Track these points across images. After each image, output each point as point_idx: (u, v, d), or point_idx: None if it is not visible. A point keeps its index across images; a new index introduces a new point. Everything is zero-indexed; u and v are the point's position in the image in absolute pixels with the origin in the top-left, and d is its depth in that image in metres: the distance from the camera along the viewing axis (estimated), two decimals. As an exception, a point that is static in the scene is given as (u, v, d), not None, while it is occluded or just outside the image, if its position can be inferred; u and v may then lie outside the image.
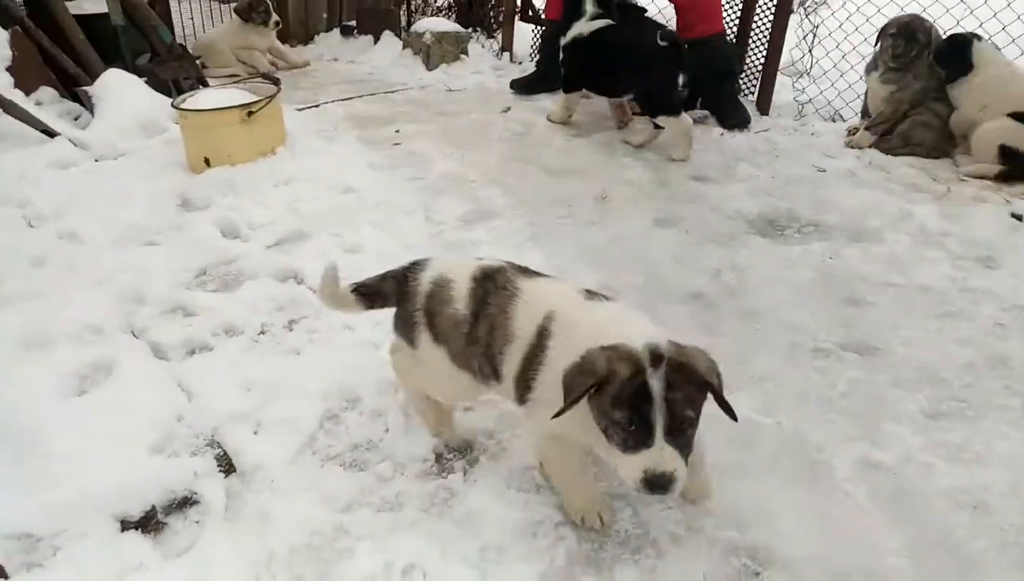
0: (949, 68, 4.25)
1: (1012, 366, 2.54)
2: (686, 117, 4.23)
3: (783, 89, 5.14)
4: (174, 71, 4.70)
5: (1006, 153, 3.97)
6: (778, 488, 2.02)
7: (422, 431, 2.20)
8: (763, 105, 4.99)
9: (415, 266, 2.11)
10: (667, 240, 3.35)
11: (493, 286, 1.89)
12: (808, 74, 5.03)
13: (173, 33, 5.23)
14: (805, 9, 4.79)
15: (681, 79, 4.13)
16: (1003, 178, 3.99)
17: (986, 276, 3.09)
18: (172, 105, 3.67)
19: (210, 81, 5.17)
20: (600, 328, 1.67)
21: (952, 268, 3.15)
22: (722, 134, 4.62)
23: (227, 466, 2.00)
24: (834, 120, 5.00)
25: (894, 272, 3.11)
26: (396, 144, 4.28)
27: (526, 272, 1.96)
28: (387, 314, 2.68)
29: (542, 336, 1.76)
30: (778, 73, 4.94)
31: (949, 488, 2.02)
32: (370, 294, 2.15)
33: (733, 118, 4.76)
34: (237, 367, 2.44)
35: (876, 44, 4.46)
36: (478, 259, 2.02)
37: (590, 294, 1.85)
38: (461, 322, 1.91)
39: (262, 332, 2.66)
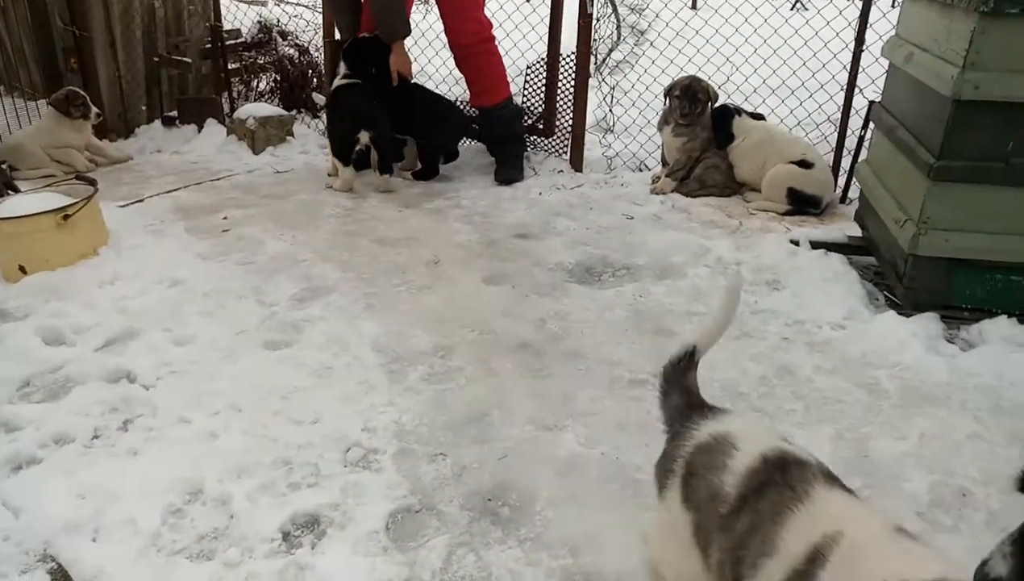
0: (720, 136, 4.88)
1: (796, 374, 2.92)
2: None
3: (593, 146, 5.59)
4: (-23, 179, 4.50)
5: (793, 194, 4.55)
6: (605, 511, 2.23)
7: (268, 512, 2.25)
8: (576, 162, 5.41)
9: (707, 409, 1.76)
10: (496, 296, 3.57)
11: (780, 478, 1.46)
12: (612, 131, 5.52)
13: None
14: (601, 73, 5.26)
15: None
16: (790, 214, 4.56)
17: (772, 297, 3.53)
18: (-23, 215, 3.54)
19: (23, 186, 4.98)
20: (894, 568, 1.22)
21: (745, 293, 3.55)
22: (540, 193, 4.96)
23: (63, 579, 1.96)
24: (641, 169, 5.49)
25: (696, 302, 3.48)
26: (225, 230, 4.29)
27: (831, 479, 1.48)
28: (226, 404, 2.74)
29: (813, 561, 1.31)
30: (586, 132, 5.37)
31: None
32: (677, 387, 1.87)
33: (501, 174, 5.25)
34: (70, 476, 2.38)
35: (665, 103, 5.00)
36: (784, 440, 1.59)
37: (901, 531, 1.35)
38: (721, 500, 1.51)
39: (95, 436, 2.61)
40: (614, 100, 5.47)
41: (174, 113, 6.69)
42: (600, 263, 3.95)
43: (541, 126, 5.59)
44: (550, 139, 5.60)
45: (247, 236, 4.19)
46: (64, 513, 2.20)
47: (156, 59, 6.66)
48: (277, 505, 2.28)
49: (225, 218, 4.46)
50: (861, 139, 4.65)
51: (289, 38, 7.05)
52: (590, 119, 5.44)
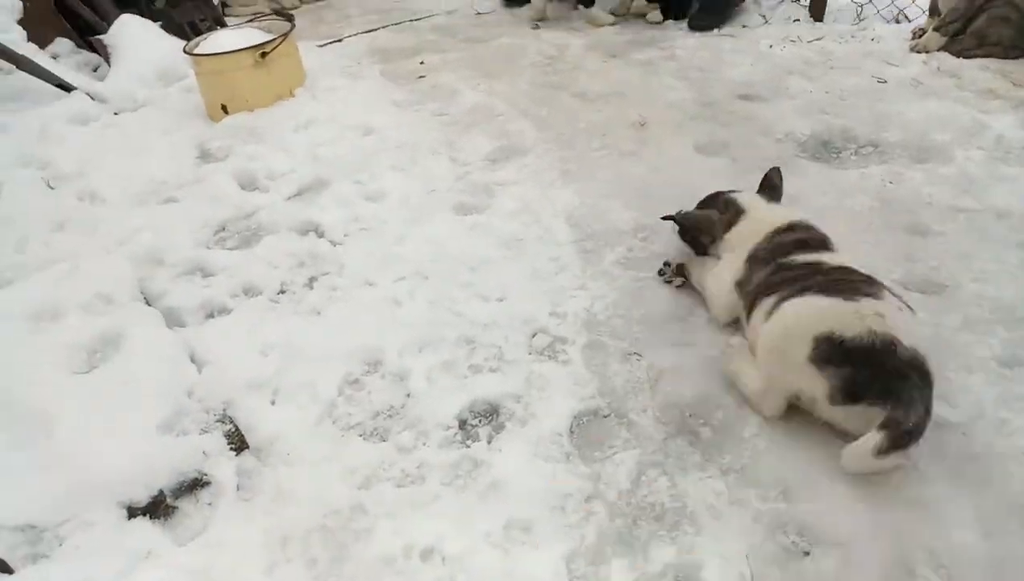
0: None
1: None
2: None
3: (839, -7, 4.69)
4: (190, 12, 4.52)
5: None
6: (829, 449, 1.84)
7: (445, 395, 2.08)
8: (817, 9, 4.57)
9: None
10: (711, 169, 3.09)
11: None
12: (869, -29, 4.57)
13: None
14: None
15: None
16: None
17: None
18: (184, 51, 3.51)
19: (231, 20, 4.99)
20: None
21: (1036, 194, 2.83)
22: (771, 46, 4.24)
23: (238, 442, 1.92)
24: (898, 21, 4.55)
25: (965, 195, 2.81)
26: (421, 77, 4.05)
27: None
28: (413, 270, 2.57)
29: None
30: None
31: (1027, 447, 1.81)
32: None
33: (697, 20, 4.65)
34: (255, 330, 2.35)
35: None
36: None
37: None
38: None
39: (282, 291, 2.55)
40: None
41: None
42: (841, 136, 3.31)
43: (778, -36, 4.74)
44: (788, -20, 4.76)
45: (443, 84, 3.92)
46: (246, 370, 2.16)
47: None
48: (457, 388, 2.11)
49: (422, 63, 4.21)
50: None
51: None
52: None
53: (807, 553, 1.62)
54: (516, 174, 3.10)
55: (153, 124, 3.63)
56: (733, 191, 2.48)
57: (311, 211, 2.91)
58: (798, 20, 4.56)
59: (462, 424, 2.02)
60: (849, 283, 1.90)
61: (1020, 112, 3.39)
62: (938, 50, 4.06)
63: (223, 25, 4.60)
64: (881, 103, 3.55)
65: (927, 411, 1.69)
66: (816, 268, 2.01)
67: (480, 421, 2.03)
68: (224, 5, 5.47)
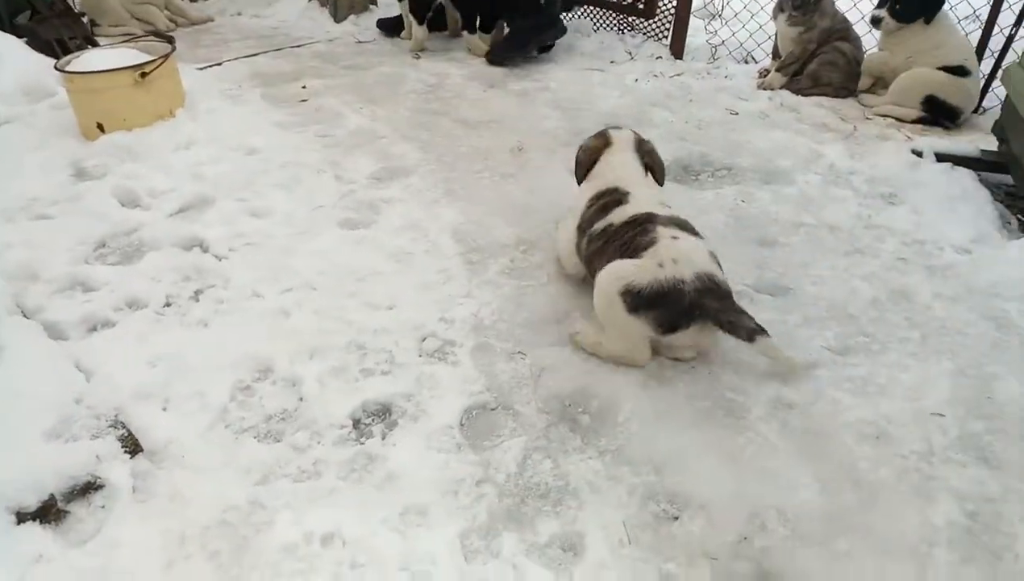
0: (912, 10, 4.12)
1: (913, 299, 2.64)
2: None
3: (697, 32, 5.15)
4: (57, 30, 4.39)
5: (932, 102, 4.07)
6: (693, 430, 2.06)
7: (338, 398, 2.16)
8: (677, 49, 4.99)
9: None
10: (584, 190, 3.33)
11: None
12: (720, 16, 5.04)
13: (56, -12, 4.88)
14: (713, -48, 4.75)
15: None
16: (919, 122, 4.10)
17: (889, 212, 3.19)
18: (56, 68, 3.43)
19: (102, 41, 4.87)
20: None
21: (859, 206, 3.23)
22: (636, 80, 4.60)
23: (132, 446, 1.92)
24: (747, 62, 5.05)
25: (805, 212, 3.18)
26: (303, 100, 4.12)
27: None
28: (301, 282, 2.62)
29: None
30: (691, 16, 4.92)
31: (855, 421, 2.09)
32: None
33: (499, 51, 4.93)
34: (142, 342, 2.34)
35: (782, -14, 4.50)
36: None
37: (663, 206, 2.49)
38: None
39: (167, 304, 2.54)
40: (725, -18, 4.97)
41: (256, -26, 6.42)
42: (699, 161, 3.65)
43: (641, 6, 5.14)
44: (650, 21, 5.16)
45: (326, 107, 4.00)
46: (135, 380, 2.15)
47: None
48: (349, 391, 2.19)
49: (304, 87, 4.27)
50: (1011, 39, 4.11)
51: None
52: (696, 1, 4.98)
53: (676, 517, 1.81)
54: (401, 193, 3.22)
55: (19, 141, 3.50)
56: (615, 128, 2.82)
57: (195, 227, 2.91)
58: (660, 57, 4.96)
59: (356, 423, 2.10)
60: (632, 240, 2.30)
61: (848, 143, 3.85)
62: (780, 88, 4.54)
63: (94, 44, 4.49)
64: (734, 133, 3.93)
65: (736, 311, 2.19)
66: (609, 234, 2.40)
67: (373, 420, 2.11)
68: (93, 24, 5.32)
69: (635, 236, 2.31)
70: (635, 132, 2.76)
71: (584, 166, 2.71)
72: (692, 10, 4.95)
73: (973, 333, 2.49)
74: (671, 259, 2.19)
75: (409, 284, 2.64)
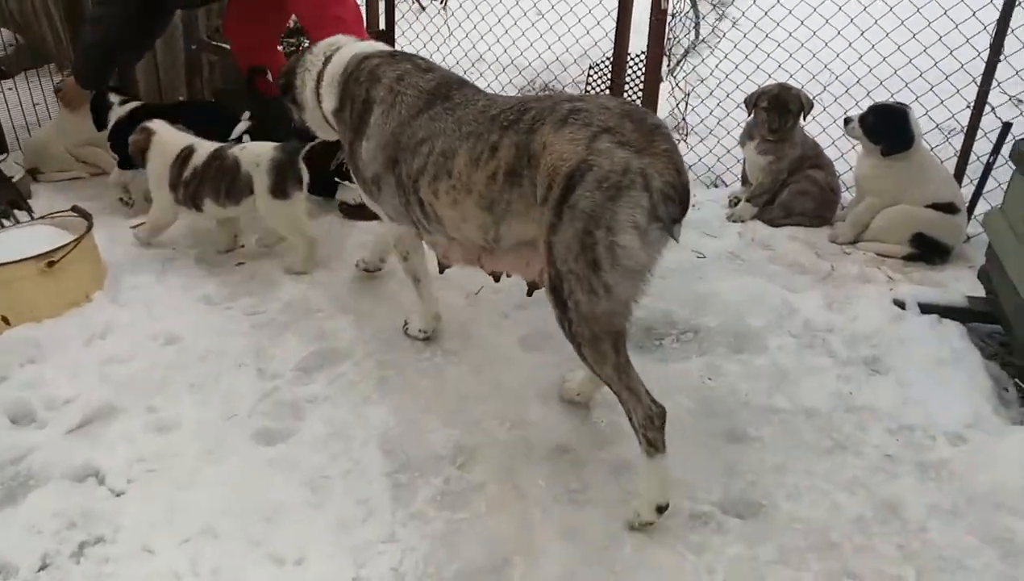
0: (890, 140, 3.82)
1: (904, 516, 2.30)
2: None
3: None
4: (-18, 196, 4.15)
5: (921, 240, 3.80)
6: None
7: None
8: (642, 176, 4.75)
9: None
10: (534, 368, 3.02)
11: None
12: (685, 141, 4.83)
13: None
14: (674, 77, 4.57)
15: None
16: (908, 259, 3.83)
17: (872, 386, 2.88)
18: (-46, 257, 3.15)
19: (44, 188, 4.70)
20: None
21: (838, 380, 2.92)
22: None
23: None
24: (716, 185, 4.81)
25: (779, 392, 2.86)
26: (240, 263, 3.83)
27: None
28: (201, 526, 2.26)
29: None
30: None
31: None
32: None
33: None
34: (1, 628, 1.99)
35: (749, 114, 4.28)
36: None
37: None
38: None
39: (43, 567, 2.20)
40: (688, 107, 4.78)
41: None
42: (663, 321, 3.35)
43: (603, 133, 4.93)
44: (613, 148, 4.94)
45: (261, 273, 3.71)
46: None
47: (193, 46, 6.22)
48: None
49: (243, 246, 3.99)
50: (989, 168, 3.87)
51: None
52: (660, 113, 4.78)
53: None
54: (329, 388, 2.90)
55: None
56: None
57: (92, 452, 2.58)
58: (624, 187, 4.71)
59: None
60: None
61: (825, 286, 3.58)
62: (751, 219, 4.28)
63: (26, 205, 4.24)
64: (701, 281, 3.65)
65: None
66: None
67: None
68: (37, 172, 5.10)
69: None
70: None
71: None
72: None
73: (976, 565, 2.14)
74: None
75: (324, 524, 2.30)
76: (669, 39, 4.48)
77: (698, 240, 4.08)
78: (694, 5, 4.36)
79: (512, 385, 2.92)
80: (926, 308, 3.29)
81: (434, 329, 3.17)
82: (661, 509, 2.23)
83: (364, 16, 5.60)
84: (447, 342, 3.17)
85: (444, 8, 7.97)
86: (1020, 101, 4.30)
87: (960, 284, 3.62)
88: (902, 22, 4.35)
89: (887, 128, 3.82)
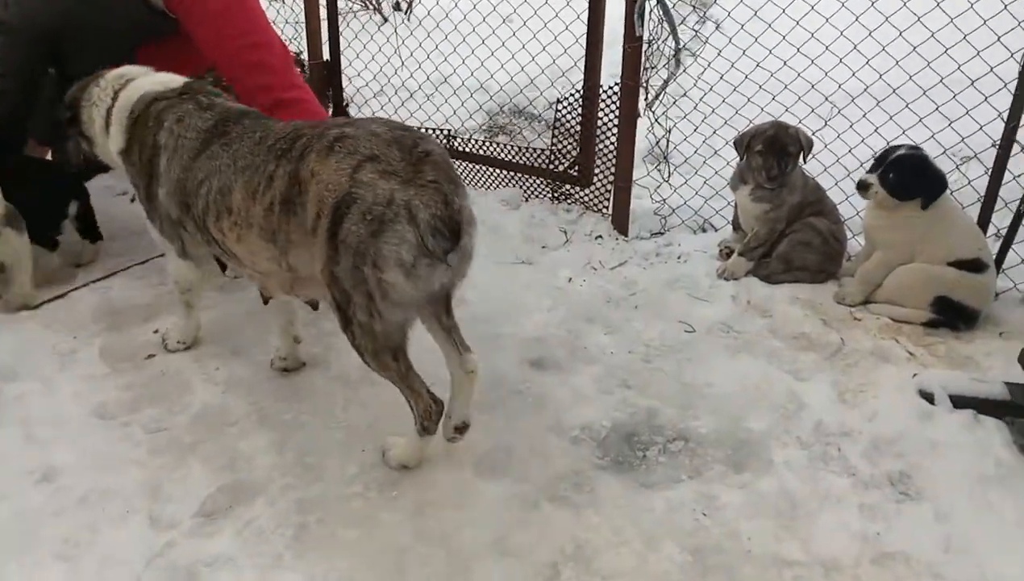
0: (927, 194, 3.28)
1: None
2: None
3: (643, 193, 4.37)
4: None
5: (943, 303, 3.27)
6: None
7: None
8: (620, 223, 4.20)
9: None
10: (489, 506, 2.46)
11: None
12: (668, 182, 4.28)
13: None
14: (652, 112, 4.01)
15: None
16: (929, 326, 3.31)
17: (905, 522, 2.35)
18: None
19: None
20: None
21: (862, 513, 2.38)
22: (570, 279, 3.78)
23: None
24: (703, 229, 4.27)
25: (790, 535, 2.31)
26: (150, 356, 3.25)
27: None
28: None
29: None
30: (633, 185, 4.15)
31: None
32: None
33: None
34: None
35: (740, 158, 3.73)
36: None
37: None
38: None
39: None
40: (668, 143, 4.22)
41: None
42: (647, 425, 2.80)
43: (575, 173, 4.38)
44: (587, 190, 4.39)
45: (172, 369, 3.14)
46: None
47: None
48: None
49: (156, 331, 3.41)
50: (1020, 217, 3.34)
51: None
52: (639, 149, 4.22)
53: None
54: (235, 542, 2.33)
55: None
56: None
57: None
58: (601, 237, 4.16)
59: None
60: None
61: (834, 368, 3.06)
62: (746, 275, 3.74)
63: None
64: (690, 366, 3.11)
65: None
66: None
67: None
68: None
69: None
70: None
71: None
72: (635, 179, 4.18)
73: None
74: None
75: None
76: (646, 69, 3.90)
77: (686, 306, 3.53)
78: (673, 30, 3.78)
79: (464, 534, 2.36)
80: (959, 401, 2.76)
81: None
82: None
83: (306, 42, 5.04)
84: (383, 471, 2.60)
85: (408, 18, 7.40)
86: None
87: (993, 360, 3.10)
88: (918, 18, 3.75)
89: (916, 181, 3.28)
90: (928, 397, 2.80)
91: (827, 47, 3.95)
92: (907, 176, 3.26)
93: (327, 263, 2.23)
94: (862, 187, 3.35)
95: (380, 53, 5.61)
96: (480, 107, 5.72)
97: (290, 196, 2.30)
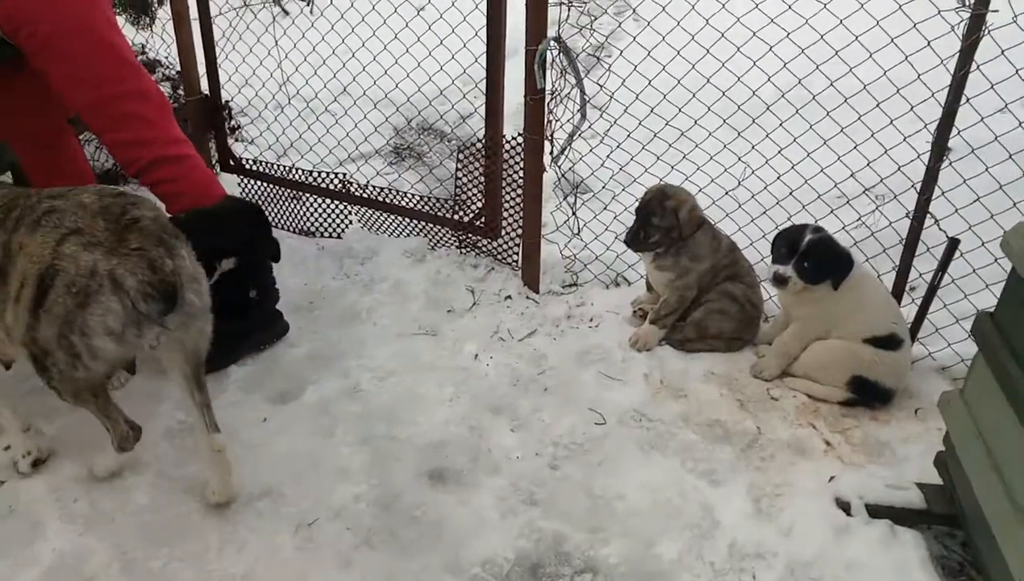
0: (837, 274, 3.14)
1: None
2: None
3: (556, 238, 4.11)
4: None
5: (859, 383, 3.14)
6: None
7: None
8: (530, 278, 3.96)
9: None
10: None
11: None
12: (579, 236, 4.04)
13: None
14: (559, 166, 3.75)
15: None
16: (845, 404, 3.19)
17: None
18: None
19: None
20: None
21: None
22: (476, 356, 3.53)
23: None
24: (616, 284, 4.06)
25: None
26: (0, 483, 2.87)
27: None
28: None
29: None
30: (542, 239, 3.90)
31: None
32: None
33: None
34: None
35: (638, 220, 3.53)
36: None
37: None
38: None
39: None
40: (579, 202, 3.98)
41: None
42: (553, 553, 2.60)
43: (480, 224, 4.09)
44: (495, 243, 4.12)
45: (22, 507, 2.77)
46: None
47: None
48: None
49: (7, 448, 3.00)
50: (934, 289, 3.23)
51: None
52: (547, 222, 3.98)
53: None
54: None
55: None
56: None
57: None
58: (510, 297, 3.91)
59: None
60: None
61: (750, 466, 2.91)
62: (660, 344, 3.56)
63: None
64: (600, 471, 2.92)
65: None
66: None
67: None
68: None
69: None
70: None
71: None
72: (544, 234, 3.92)
73: None
74: None
75: None
76: (550, 121, 3.62)
77: (597, 389, 3.32)
78: (579, 81, 3.50)
79: None
80: (875, 511, 2.64)
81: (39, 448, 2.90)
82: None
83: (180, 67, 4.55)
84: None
85: (311, 10, 6.86)
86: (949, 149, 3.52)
87: (910, 448, 3.00)
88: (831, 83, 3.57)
89: (827, 265, 3.13)
90: (844, 506, 2.68)
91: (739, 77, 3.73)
92: (820, 261, 3.11)
93: (28, 330, 2.33)
94: (780, 281, 3.17)
95: (270, 57, 5.11)
96: (387, 119, 5.30)
97: (4, 266, 2.39)
